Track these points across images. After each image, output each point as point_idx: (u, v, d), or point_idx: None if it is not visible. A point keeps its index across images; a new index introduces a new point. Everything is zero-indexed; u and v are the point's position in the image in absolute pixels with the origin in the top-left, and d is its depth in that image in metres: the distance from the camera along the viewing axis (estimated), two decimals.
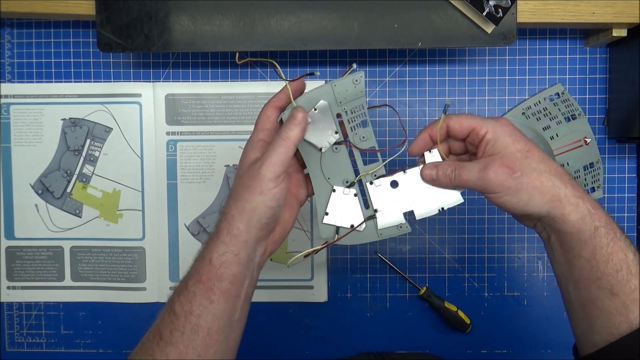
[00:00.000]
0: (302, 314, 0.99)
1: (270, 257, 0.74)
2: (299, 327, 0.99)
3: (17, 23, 0.98)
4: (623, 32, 0.88)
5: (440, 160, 0.69)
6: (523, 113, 0.95)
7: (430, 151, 0.70)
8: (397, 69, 0.96)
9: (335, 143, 0.70)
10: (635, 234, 0.97)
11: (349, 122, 0.70)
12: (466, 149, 0.70)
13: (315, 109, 0.68)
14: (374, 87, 0.97)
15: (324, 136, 0.70)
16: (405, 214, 0.71)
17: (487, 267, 0.98)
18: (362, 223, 0.71)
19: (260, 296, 0.98)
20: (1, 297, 1.00)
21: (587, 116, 0.96)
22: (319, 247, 0.72)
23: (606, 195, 0.97)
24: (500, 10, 0.82)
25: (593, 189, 0.96)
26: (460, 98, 0.97)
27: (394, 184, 0.71)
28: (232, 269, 0.63)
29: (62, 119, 0.98)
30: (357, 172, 0.71)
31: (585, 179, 0.95)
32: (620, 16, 0.86)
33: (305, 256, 0.72)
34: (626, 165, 0.97)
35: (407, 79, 0.97)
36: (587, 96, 0.97)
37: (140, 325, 0.97)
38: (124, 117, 0.97)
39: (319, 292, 0.98)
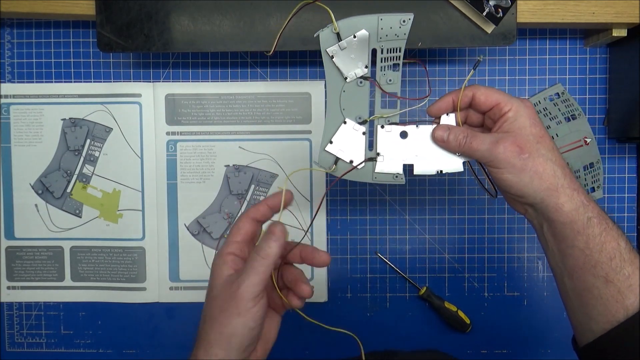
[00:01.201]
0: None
1: None
2: (299, 327, 0.99)
3: (17, 23, 0.98)
4: (623, 32, 0.88)
5: (454, 123, 0.69)
6: None
7: (447, 114, 0.70)
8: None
9: (362, 77, 0.70)
10: (635, 234, 0.97)
11: (382, 61, 0.69)
12: (482, 122, 0.70)
13: (354, 36, 0.68)
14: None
15: (354, 66, 0.69)
16: (405, 166, 0.71)
17: (487, 267, 0.98)
18: (362, 163, 0.71)
19: None
20: (1, 297, 1.00)
21: (587, 116, 0.96)
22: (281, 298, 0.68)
23: (606, 195, 0.97)
24: (500, 10, 0.82)
25: (593, 189, 0.96)
26: None
27: (404, 135, 0.71)
28: None
29: (62, 119, 0.97)
30: (372, 112, 0.71)
31: (585, 179, 0.95)
32: (620, 16, 0.86)
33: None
34: (626, 165, 0.97)
35: (407, 79, 0.97)
36: (587, 96, 0.97)
37: (140, 325, 0.99)
38: (124, 117, 0.97)
39: (319, 292, 0.98)
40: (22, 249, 0.99)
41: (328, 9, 0.69)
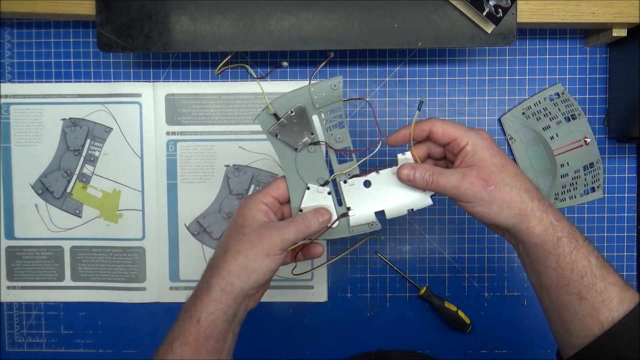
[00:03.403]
0: (302, 314, 0.99)
1: None
2: (299, 327, 0.99)
3: (17, 23, 0.98)
4: (623, 32, 0.88)
5: (412, 162, 0.71)
6: (523, 113, 0.95)
7: (403, 152, 0.71)
8: (397, 69, 0.97)
9: (311, 144, 0.72)
10: (635, 234, 0.97)
11: (326, 123, 0.71)
12: (444, 154, 0.72)
13: (291, 112, 0.70)
14: (374, 87, 0.97)
15: (300, 137, 0.72)
16: (376, 213, 0.73)
17: (487, 267, 0.98)
18: (335, 221, 0.73)
19: None
20: (1, 297, 1.00)
21: (587, 116, 0.96)
22: (301, 242, 0.71)
23: (606, 195, 0.97)
24: (500, 10, 0.82)
25: (593, 189, 0.96)
26: (460, 98, 0.97)
27: (367, 184, 0.73)
28: (219, 326, 0.65)
29: (62, 119, 0.98)
30: (331, 171, 0.73)
31: (585, 179, 0.95)
32: (620, 16, 0.86)
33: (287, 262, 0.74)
34: (626, 165, 0.97)
35: (407, 79, 0.97)
36: (587, 96, 0.97)
37: (140, 325, 0.99)
38: (124, 117, 0.97)
39: (319, 292, 0.98)
40: (22, 248, 0.99)
41: (264, 92, 0.79)
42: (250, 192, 0.97)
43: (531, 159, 0.96)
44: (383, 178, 0.73)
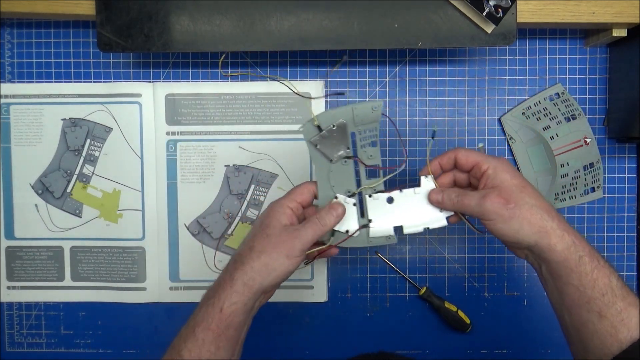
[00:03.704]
0: (302, 314, 0.99)
1: None
2: (299, 327, 0.99)
3: (17, 23, 0.98)
4: (623, 32, 0.88)
5: (434, 184, 0.78)
6: (523, 113, 0.95)
7: (426, 176, 0.78)
8: (397, 69, 0.97)
9: (345, 157, 0.78)
10: (635, 234, 0.97)
11: (360, 141, 0.77)
12: (469, 182, 0.78)
13: (334, 126, 0.76)
14: (374, 87, 0.97)
15: (337, 150, 0.77)
16: (395, 228, 0.79)
17: (487, 267, 0.98)
18: (357, 231, 0.79)
19: None
20: (1, 297, 1.00)
21: (587, 116, 0.96)
22: (320, 247, 0.78)
23: (606, 195, 0.97)
24: (500, 10, 0.82)
25: (593, 189, 0.96)
26: (460, 98, 0.97)
27: (390, 200, 0.79)
28: (239, 317, 0.70)
29: (62, 119, 0.98)
30: (359, 184, 0.79)
31: (585, 179, 0.95)
32: (620, 16, 0.86)
33: (307, 261, 0.81)
34: (626, 165, 0.97)
35: (407, 79, 0.97)
36: (587, 96, 0.97)
37: (140, 325, 0.99)
38: (124, 117, 0.97)
39: (319, 292, 0.99)
40: (22, 248, 0.99)
41: (312, 110, 0.86)
42: (250, 193, 0.97)
43: (531, 159, 0.96)
44: (405, 197, 0.79)
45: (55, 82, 0.98)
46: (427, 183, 0.78)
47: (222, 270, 0.75)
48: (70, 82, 0.98)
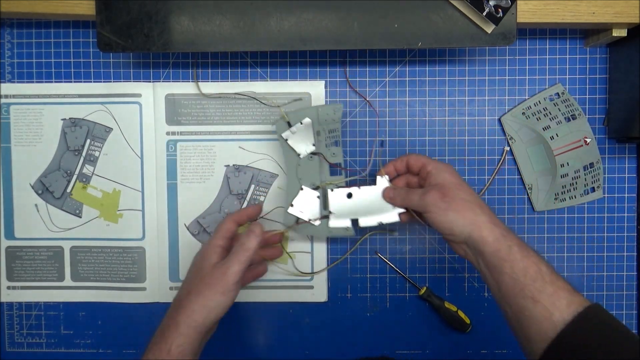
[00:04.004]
0: (302, 314, 0.99)
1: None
2: (299, 327, 1.00)
3: (17, 23, 0.98)
4: (623, 32, 0.88)
5: (388, 183, 0.89)
6: (523, 113, 0.95)
7: (382, 176, 0.89)
8: (397, 69, 0.97)
9: (311, 153, 0.90)
10: (635, 234, 0.97)
11: (325, 140, 0.90)
12: (419, 185, 0.87)
13: (301, 123, 0.89)
14: (374, 87, 0.97)
15: (304, 145, 0.90)
16: (352, 220, 0.91)
17: None
18: (317, 219, 0.91)
19: (260, 296, 0.99)
20: (1, 297, 1.00)
21: (587, 116, 0.96)
22: (280, 230, 0.94)
23: (606, 195, 0.97)
24: (500, 10, 0.82)
25: (593, 189, 0.96)
26: (460, 98, 0.97)
27: (349, 195, 0.90)
28: (187, 356, 0.76)
29: (62, 119, 0.98)
30: (323, 179, 0.91)
31: (585, 179, 0.95)
32: (620, 16, 0.86)
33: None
34: (626, 165, 0.97)
35: (407, 79, 0.97)
36: (587, 96, 0.97)
37: (140, 325, 0.99)
38: (124, 117, 0.97)
39: (319, 292, 0.99)
40: (22, 249, 0.99)
41: (280, 108, 0.93)
42: (250, 193, 0.97)
43: (531, 159, 0.96)
44: (363, 193, 0.90)
45: (56, 82, 0.98)
46: (382, 182, 0.89)
47: (165, 316, 0.80)
48: (70, 81, 0.98)
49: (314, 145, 0.90)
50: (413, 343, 1.00)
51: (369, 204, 0.89)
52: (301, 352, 1.00)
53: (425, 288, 0.97)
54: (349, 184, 0.92)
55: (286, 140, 0.90)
